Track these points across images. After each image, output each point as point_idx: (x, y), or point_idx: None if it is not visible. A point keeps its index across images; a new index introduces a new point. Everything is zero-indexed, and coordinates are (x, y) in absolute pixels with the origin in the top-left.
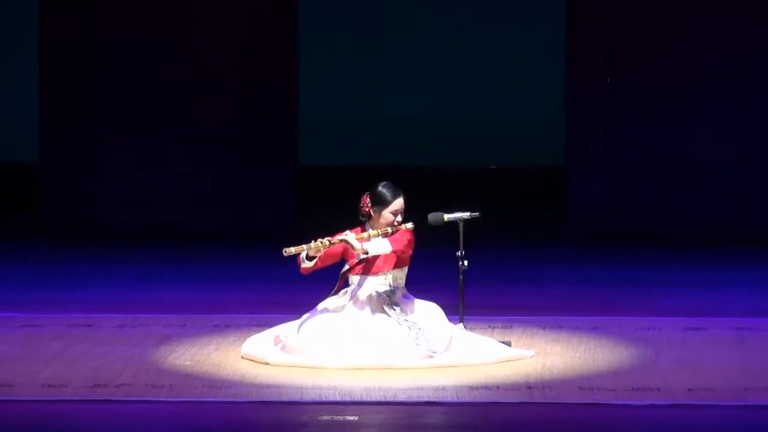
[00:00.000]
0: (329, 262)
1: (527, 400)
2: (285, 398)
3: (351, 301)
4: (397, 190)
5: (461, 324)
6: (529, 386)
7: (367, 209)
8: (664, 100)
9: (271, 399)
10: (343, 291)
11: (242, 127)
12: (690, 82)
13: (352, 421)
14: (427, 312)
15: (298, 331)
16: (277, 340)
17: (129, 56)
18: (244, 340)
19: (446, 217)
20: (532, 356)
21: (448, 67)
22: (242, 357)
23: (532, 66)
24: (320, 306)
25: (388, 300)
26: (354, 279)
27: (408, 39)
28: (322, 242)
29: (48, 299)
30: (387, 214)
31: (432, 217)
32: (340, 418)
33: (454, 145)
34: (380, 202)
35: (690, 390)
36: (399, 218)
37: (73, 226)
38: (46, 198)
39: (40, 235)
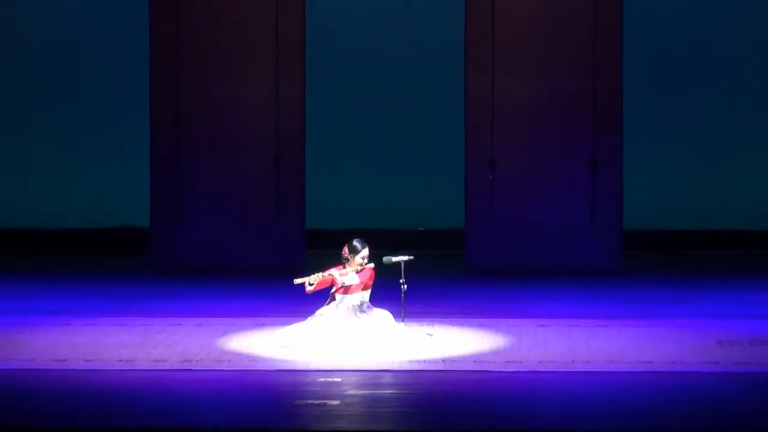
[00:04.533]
0: (323, 286)
1: (442, 368)
2: (298, 368)
3: (337, 310)
4: (364, 243)
5: (403, 323)
6: (443, 360)
7: (345, 255)
8: (524, 187)
9: (289, 368)
10: (333, 303)
11: (271, 205)
12: (540, 184)
13: (338, 381)
14: (381, 316)
15: (305, 327)
16: (292, 333)
17: (210, 148)
18: (273, 332)
19: (394, 259)
20: (446, 341)
21: (390, 167)
22: (272, 343)
23: (444, 168)
24: (318, 312)
25: (359, 309)
26: (339, 297)
27: (383, 143)
28: (317, 275)
29: (156, 308)
30: (358, 258)
31: (385, 259)
32: (331, 379)
33: (395, 212)
34: (353, 251)
35: (540, 362)
36: (365, 260)
37: (170, 265)
38: (155, 245)
39: (152, 271)
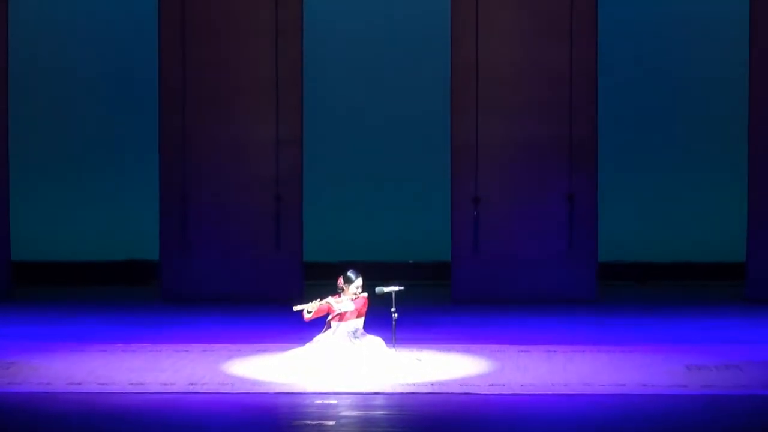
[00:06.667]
0: (320, 315)
1: (431, 391)
2: (297, 391)
3: (333, 337)
4: (358, 273)
5: (394, 349)
6: (432, 383)
7: (341, 285)
8: (506, 223)
9: (288, 391)
10: (329, 331)
11: (272, 241)
12: (520, 220)
13: (334, 403)
14: (374, 342)
15: (304, 352)
16: (293, 357)
17: (215, 186)
18: (274, 358)
19: (385, 289)
20: (434, 366)
21: (382, 204)
22: (273, 367)
23: (432, 205)
24: (316, 339)
25: (353, 336)
26: (334, 324)
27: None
28: (316, 303)
29: (164, 335)
30: (352, 288)
31: (377, 289)
32: (327, 401)
33: (386, 246)
34: (348, 281)
35: (521, 385)
36: (359, 290)
37: (178, 294)
38: (164, 276)
39: (160, 300)
